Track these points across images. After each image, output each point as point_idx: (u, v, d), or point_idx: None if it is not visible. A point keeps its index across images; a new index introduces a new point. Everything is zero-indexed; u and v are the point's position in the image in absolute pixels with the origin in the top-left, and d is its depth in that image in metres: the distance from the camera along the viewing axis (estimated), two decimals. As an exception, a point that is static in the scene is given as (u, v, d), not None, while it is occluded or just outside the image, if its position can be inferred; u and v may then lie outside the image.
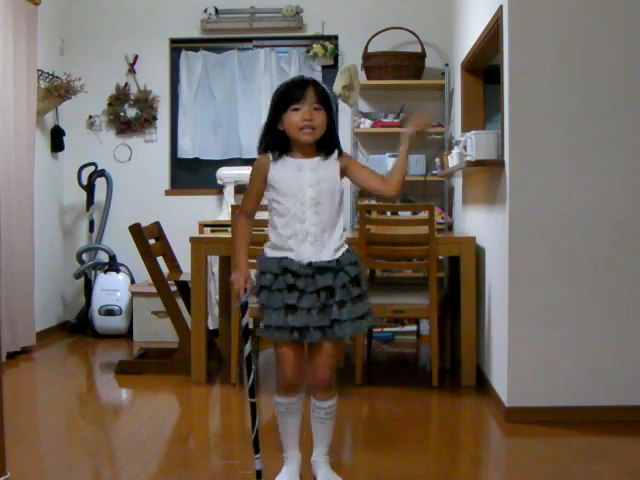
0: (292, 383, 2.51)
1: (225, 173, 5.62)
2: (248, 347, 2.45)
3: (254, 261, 2.52)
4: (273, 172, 2.45)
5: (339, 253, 2.44)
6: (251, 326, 2.49)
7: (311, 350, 2.49)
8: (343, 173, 2.49)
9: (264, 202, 2.53)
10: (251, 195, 2.52)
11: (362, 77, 5.40)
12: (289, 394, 2.52)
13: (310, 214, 2.41)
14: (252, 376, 2.45)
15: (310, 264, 2.40)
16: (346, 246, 2.48)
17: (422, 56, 5.53)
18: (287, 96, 2.41)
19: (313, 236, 2.41)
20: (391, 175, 2.52)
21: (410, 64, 5.46)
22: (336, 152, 2.48)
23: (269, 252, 2.48)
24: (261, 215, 2.58)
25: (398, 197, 2.55)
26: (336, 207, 2.46)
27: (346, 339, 2.54)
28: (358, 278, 2.46)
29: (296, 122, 2.39)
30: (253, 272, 2.50)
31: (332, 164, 2.46)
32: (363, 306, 2.47)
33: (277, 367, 2.54)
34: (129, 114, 5.92)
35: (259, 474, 2.50)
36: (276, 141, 2.45)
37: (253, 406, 2.46)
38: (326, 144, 2.46)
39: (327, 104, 2.43)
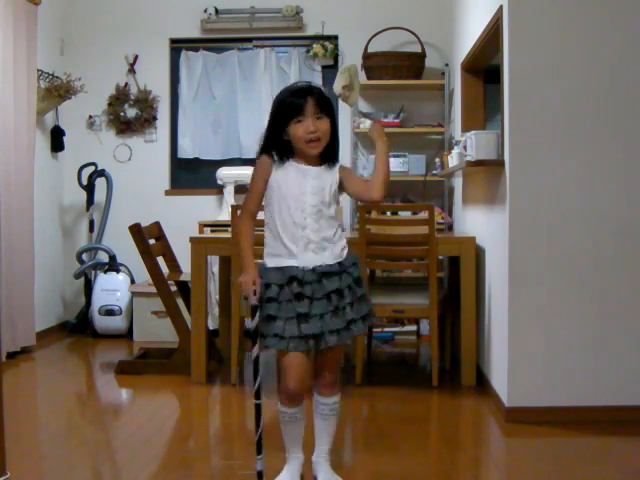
0: (296, 394, 2.48)
1: (225, 173, 5.62)
2: (256, 350, 2.44)
3: (258, 261, 2.49)
4: (276, 174, 2.44)
5: (343, 255, 2.45)
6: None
7: (316, 354, 2.49)
8: (340, 186, 2.49)
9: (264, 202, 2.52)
10: (253, 194, 2.50)
11: (362, 77, 5.39)
12: (293, 404, 2.50)
13: (310, 221, 2.41)
14: (259, 378, 2.45)
15: (314, 269, 2.40)
16: (347, 247, 2.49)
17: (422, 56, 5.53)
18: (288, 108, 2.39)
19: (315, 243, 2.41)
20: (372, 179, 2.49)
21: (410, 64, 5.46)
22: (337, 162, 2.48)
23: (269, 262, 2.46)
24: (261, 215, 2.56)
25: (382, 201, 2.51)
26: (334, 213, 2.46)
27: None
28: (359, 279, 2.48)
29: (301, 135, 2.38)
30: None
31: (333, 173, 2.47)
32: (367, 306, 2.51)
33: (281, 377, 2.52)
34: (129, 114, 5.92)
35: (260, 475, 2.49)
36: (279, 149, 2.44)
37: (258, 408, 2.46)
38: (329, 152, 2.46)
39: (329, 110, 2.42)
